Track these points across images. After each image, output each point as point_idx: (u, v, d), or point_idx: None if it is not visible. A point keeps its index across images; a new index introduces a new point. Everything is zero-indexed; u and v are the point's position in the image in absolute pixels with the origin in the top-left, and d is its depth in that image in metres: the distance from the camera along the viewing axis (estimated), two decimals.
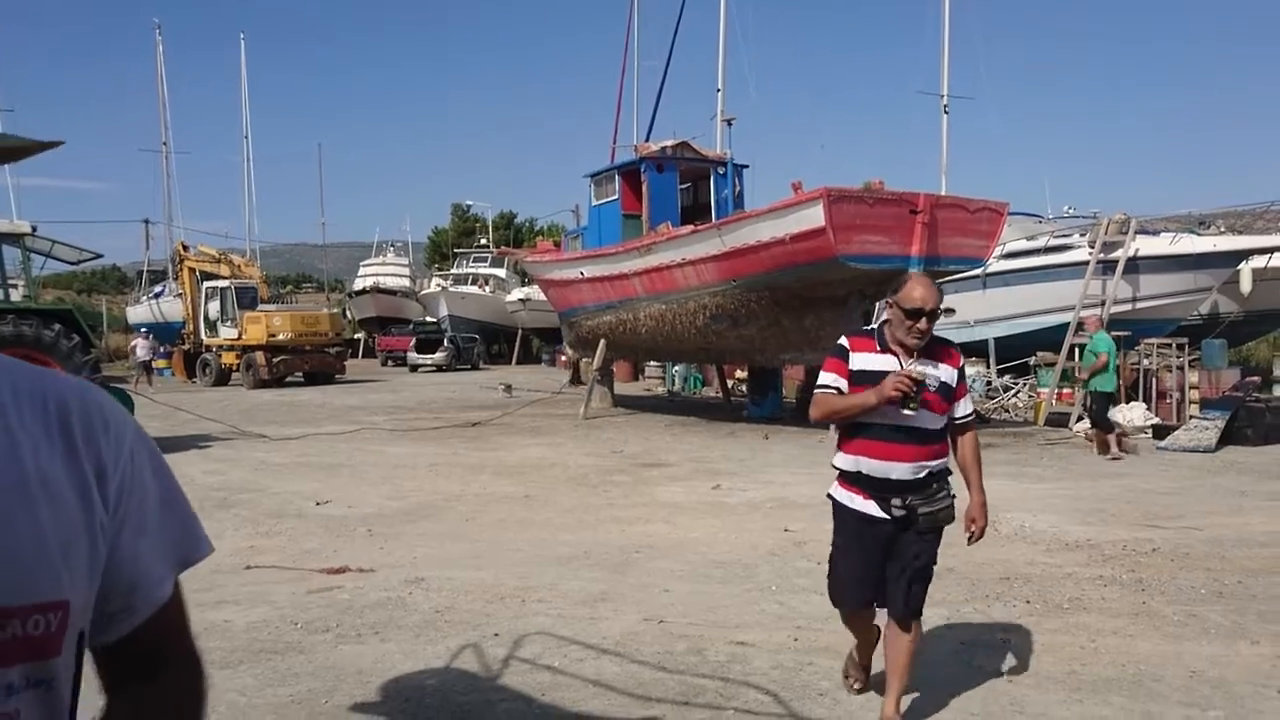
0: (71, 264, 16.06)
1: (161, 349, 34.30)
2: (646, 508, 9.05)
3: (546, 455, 12.72)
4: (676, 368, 25.48)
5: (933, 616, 5.51)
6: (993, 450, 13.09)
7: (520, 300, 41.38)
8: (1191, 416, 14.80)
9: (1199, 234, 19.78)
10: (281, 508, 9.12)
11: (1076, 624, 5.38)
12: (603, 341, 18.58)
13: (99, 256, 16.01)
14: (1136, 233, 18.48)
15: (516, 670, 4.71)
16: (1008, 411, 18.61)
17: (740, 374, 21.60)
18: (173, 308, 37.83)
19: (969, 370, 20.93)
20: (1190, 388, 16.30)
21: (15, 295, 13.76)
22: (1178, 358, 16.71)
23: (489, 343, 43.69)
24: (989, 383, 20.47)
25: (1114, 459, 11.99)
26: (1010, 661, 4.80)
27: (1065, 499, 9.34)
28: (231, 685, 4.53)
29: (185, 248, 33.69)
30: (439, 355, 37.00)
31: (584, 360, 22.24)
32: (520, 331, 43.46)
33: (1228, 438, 13.14)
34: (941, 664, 4.78)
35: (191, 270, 31.77)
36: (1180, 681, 4.51)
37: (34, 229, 13.45)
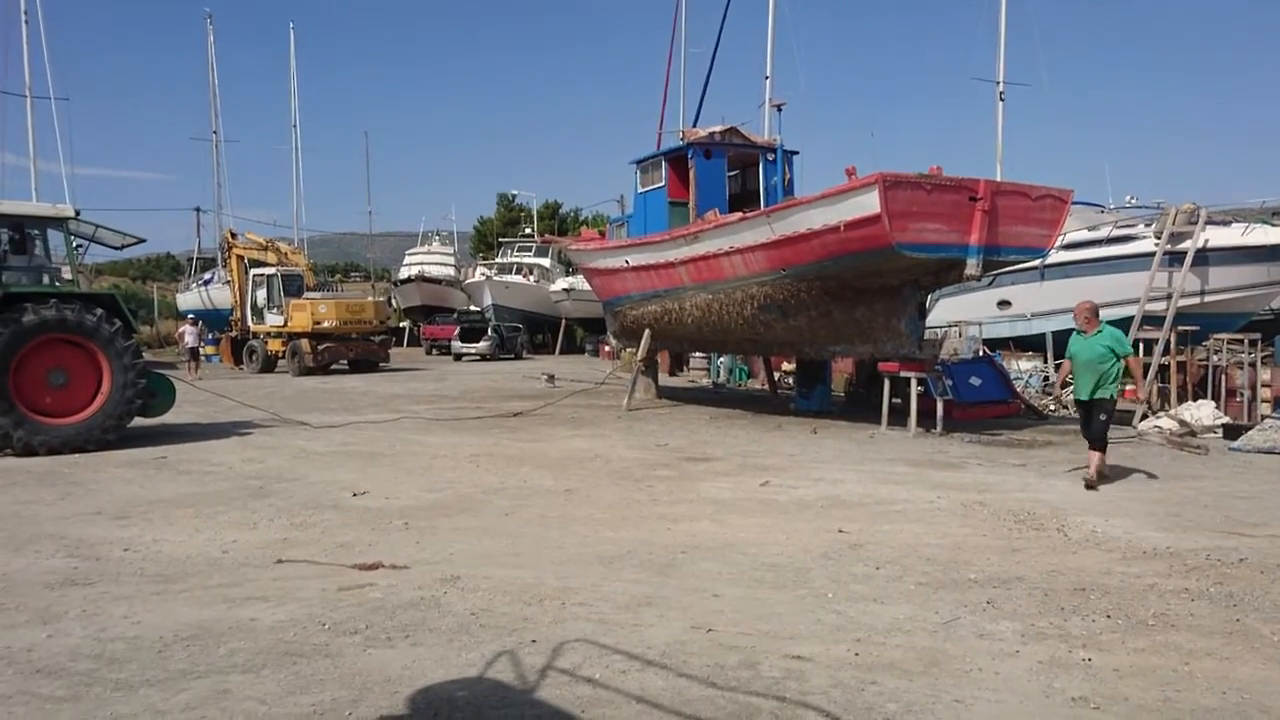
0: (116, 248, 16.01)
1: (210, 336, 34.62)
2: (692, 504, 8.68)
3: (589, 448, 12.40)
4: (722, 359, 25.04)
5: (1004, 631, 5.11)
6: (1054, 449, 12.55)
7: (564, 290, 41.17)
8: (1264, 416, 14.10)
9: (1273, 224, 18.89)
10: (318, 498, 8.90)
11: (1165, 643, 4.92)
12: (647, 331, 18.21)
13: (142, 241, 15.96)
14: (1206, 223, 17.67)
15: (554, 682, 4.38)
16: (1066, 408, 17.92)
17: (787, 366, 21.12)
18: (222, 295, 38.16)
19: (1025, 365, 20.37)
20: (1262, 385, 15.57)
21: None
22: (1249, 354, 15.96)
23: (533, 332, 43.56)
24: (1046, 378, 19.76)
25: (1085, 481, 9.64)
26: (1094, 685, 4.36)
27: (1137, 502, 8.80)
28: (251, 692, 4.25)
29: (233, 235, 33.92)
30: (483, 344, 36.90)
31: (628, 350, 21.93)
32: (564, 321, 43.27)
33: None
34: (1016, 687, 4.36)
35: (240, 258, 31.95)
36: None
37: (77, 213, 13.36)
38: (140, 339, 44.62)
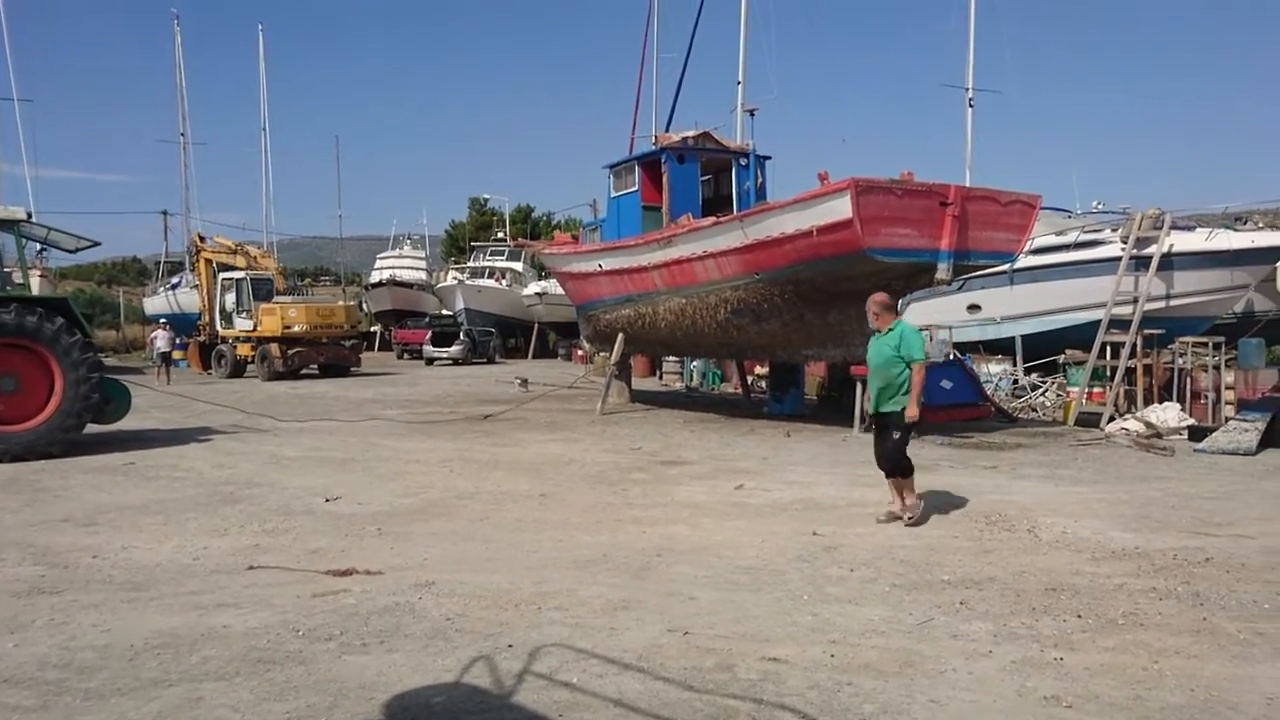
0: (70, 251, 15.72)
1: (179, 340, 34.21)
2: (667, 508, 8.69)
3: (563, 452, 12.38)
4: (695, 363, 25.10)
5: (976, 631, 5.16)
6: (1023, 451, 12.68)
7: (537, 294, 41.13)
8: (1228, 418, 14.31)
9: (1236, 230, 19.23)
10: (289, 504, 8.83)
11: (1135, 642, 4.99)
12: (621, 336, 18.22)
13: (96, 244, 15.65)
14: (1171, 228, 17.96)
15: (531, 687, 4.37)
16: (1035, 411, 18.15)
17: (760, 370, 21.20)
18: (189, 299, 37.78)
19: (995, 368, 20.57)
20: (1226, 388, 15.83)
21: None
22: (1213, 357, 16.22)
23: (505, 336, 43.45)
24: (1015, 381, 19.99)
25: (903, 518, 7.97)
26: (1066, 685, 4.41)
27: (1105, 503, 8.92)
28: (225, 700, 4.21)
29: (202, 239, 33.54)
30: (455, 349, 36.77)
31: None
32: (537, 325, 43.19)
33: (1268, 440, 12.66)
34: (990, 687, 4.40)
35: (208, 261, 31.61)
36: (1257, 710, 4.12)
37: (29, 215, 13.12)
38: (107, 343, 43.70)
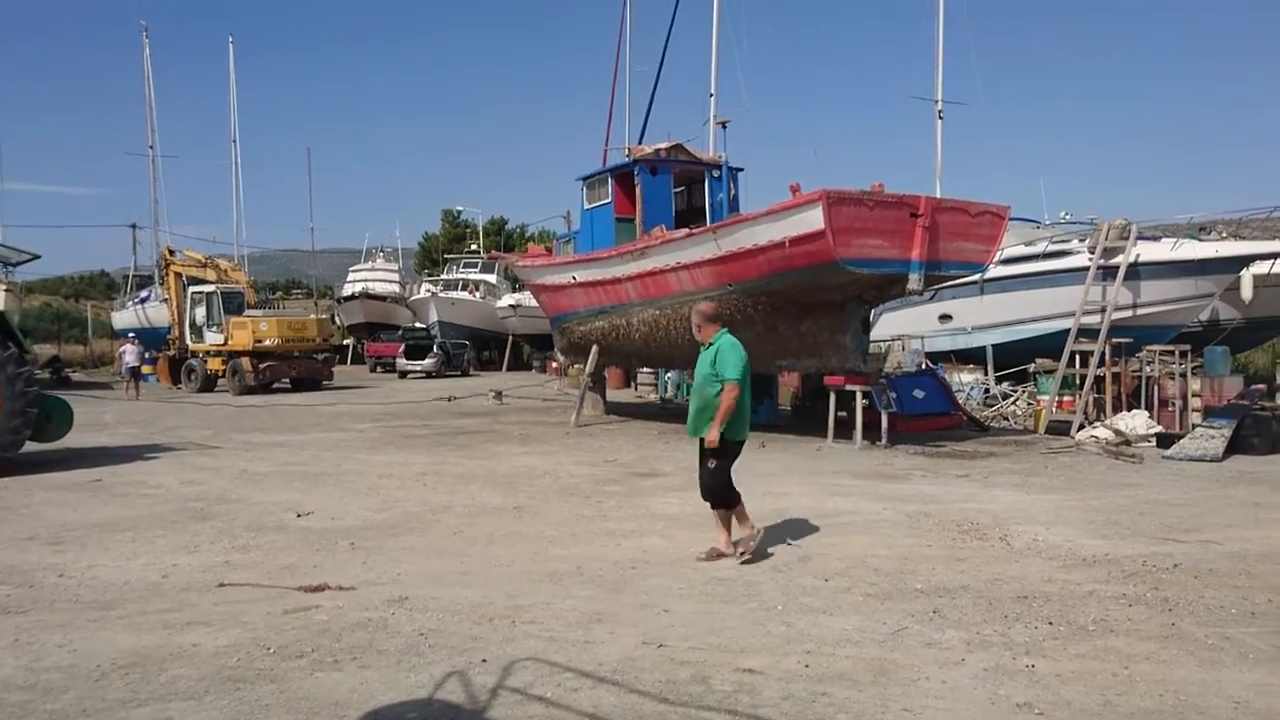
0: (12, 265, 15.48)
1: (148, 355, 33.80)
2: (642, 520, 8.68)
3: (537, 464, 12.34)
4: (669, 374, 25.11)
5: (950, 640, 5.19)
6: (995, 459, 12.79)
7: (511, 306, 40.98)
8: (1195, 425, 14.50)
9: (1200, 239, 19.55)
10: (260, 519, 8.73)
11: (1105, 648, 5.04)
12: (595, 347, 18.22)
13: (37, 258, 15.38)
14: (1137, 238, 18.23)
15: (506, 701, 4.34)
16: (1006, 419, 18.31)
17: None
18: (158, 313, 37.34)
19: (966, 378, 20.71)
20: (1193, 395, 16.04)
21: None
22: (1179, 365, 16.44)
23: (479, 349, 43.25)
24: (987, 390, 20.17)
25: (729, 554, 7.05)
26: (1038, 692, 4.44)
27: (1076, 510, 9.01)
28: None
29: (171, 252, 33.20)
30: (428, 361, 36.57)
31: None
32: (511, 337, 43.04)
33: (1234, 447, 12.86)
34: (963, 695, 4.43)
35: (177, 275, 31.27)
36: (1225, 714, 4.17)
37: None
38: (74, 358, 42.97)
